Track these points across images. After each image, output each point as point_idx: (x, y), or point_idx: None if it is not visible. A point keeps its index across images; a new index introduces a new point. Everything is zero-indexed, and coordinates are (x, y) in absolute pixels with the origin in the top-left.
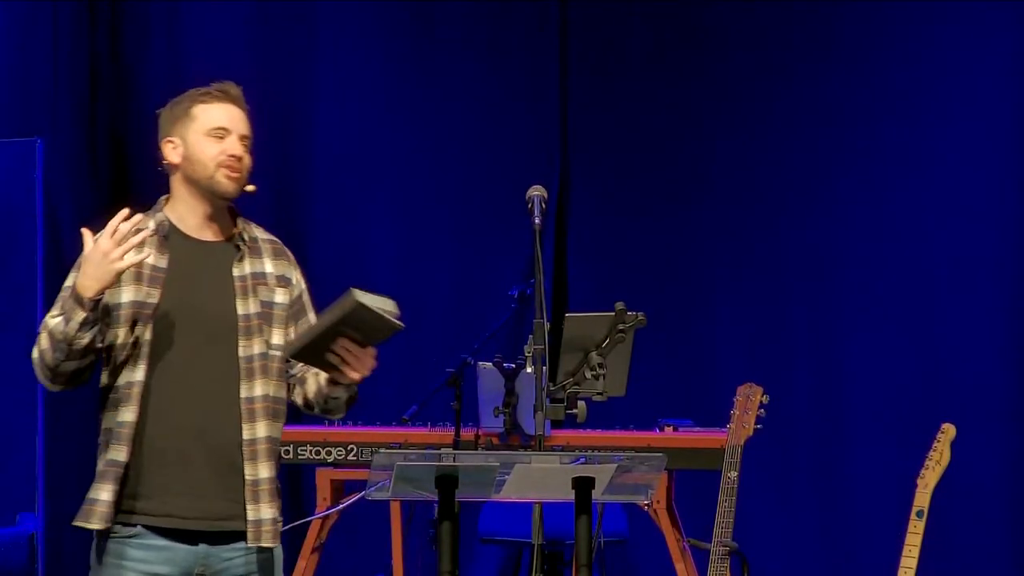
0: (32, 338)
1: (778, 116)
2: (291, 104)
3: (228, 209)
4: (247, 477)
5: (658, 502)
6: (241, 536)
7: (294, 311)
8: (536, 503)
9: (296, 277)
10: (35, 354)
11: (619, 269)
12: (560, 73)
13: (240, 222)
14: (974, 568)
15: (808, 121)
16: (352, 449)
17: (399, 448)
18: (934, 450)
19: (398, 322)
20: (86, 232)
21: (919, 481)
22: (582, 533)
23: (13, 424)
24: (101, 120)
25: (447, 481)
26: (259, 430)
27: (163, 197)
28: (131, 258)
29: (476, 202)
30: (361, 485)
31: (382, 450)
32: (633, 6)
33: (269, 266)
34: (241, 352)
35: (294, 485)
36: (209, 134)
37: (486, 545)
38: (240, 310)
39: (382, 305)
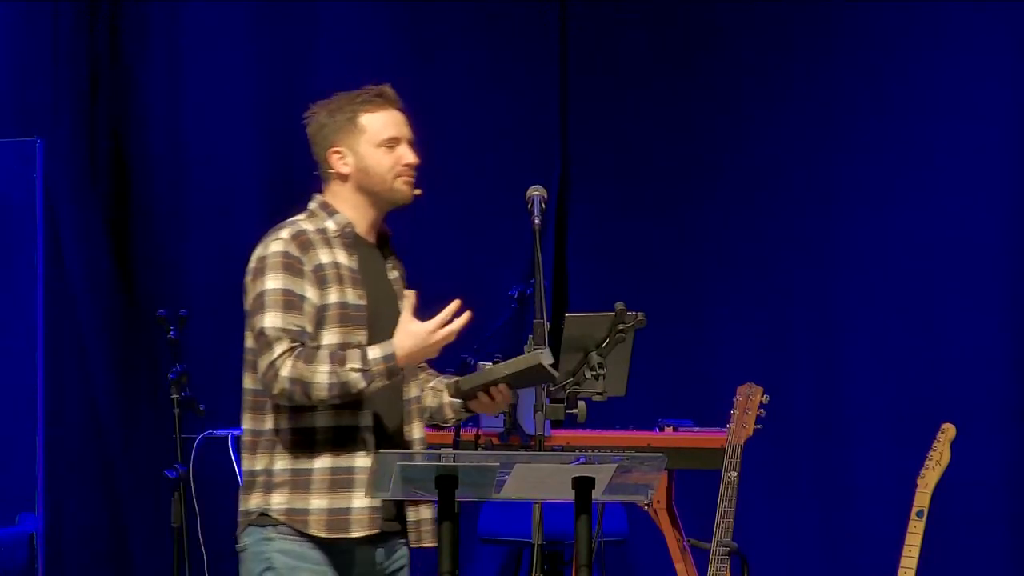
0: (31, 338)
1: (778, 116)
2: (291, 105)
3: None
4: None
5: (658, 502)
6: (396, 535)
7: None
8: (536, 503)
9: None
10: (297, 382)
11: (619, 269)
12: (560, 73)
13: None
14: (974, 568)
15: (808, 121)
16: None
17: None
18: (934, 450)
19: (556, 372)
20: (412, 298)
21: (919, 481)
22: (582, 533)
23: (13, 424)
24: (101, 120)
25: (447, 481)
26: (415, 431)
27: (318, 197)
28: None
29: (476, 202)
30: None
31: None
32: (633, 7)
33: (396, 268)
34: None
35: None
36: (381, 145)
37: (486, 545)
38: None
39: (544, 359)
